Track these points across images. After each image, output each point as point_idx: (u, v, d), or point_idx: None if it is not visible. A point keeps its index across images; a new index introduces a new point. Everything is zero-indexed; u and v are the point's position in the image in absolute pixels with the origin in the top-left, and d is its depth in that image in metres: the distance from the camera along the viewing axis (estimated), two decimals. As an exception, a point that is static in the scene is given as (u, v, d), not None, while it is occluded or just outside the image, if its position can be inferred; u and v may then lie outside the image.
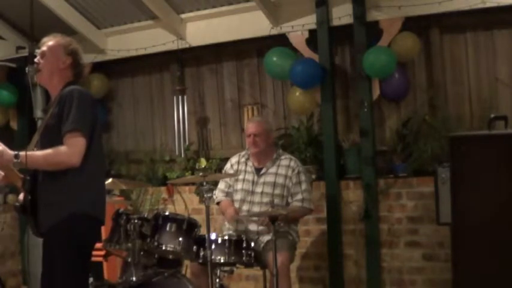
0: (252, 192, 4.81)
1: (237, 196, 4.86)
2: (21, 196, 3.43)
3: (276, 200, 4.70)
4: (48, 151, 3.23)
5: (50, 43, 3.47)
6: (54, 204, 3.26)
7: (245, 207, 4.79)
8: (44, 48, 3.46)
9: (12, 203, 6.41)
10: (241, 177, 4.88)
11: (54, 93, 3.44)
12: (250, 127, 4.93)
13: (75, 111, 3.23)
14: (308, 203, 4.79)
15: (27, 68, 3.41)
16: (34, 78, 3.43)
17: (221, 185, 4.98)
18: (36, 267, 3.50)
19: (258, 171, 4.87)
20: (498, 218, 3.49)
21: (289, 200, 4.78)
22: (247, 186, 4.84)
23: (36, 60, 3.46)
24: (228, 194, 4.94)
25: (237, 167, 4.94)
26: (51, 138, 3.27)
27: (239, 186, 4.88)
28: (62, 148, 3.21)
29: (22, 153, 3.19)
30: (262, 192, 4.78)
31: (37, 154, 3.23)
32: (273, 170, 4.84)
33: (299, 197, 4.76)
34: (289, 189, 4.78)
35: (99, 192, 3.45)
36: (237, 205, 4.84)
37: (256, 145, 4.85)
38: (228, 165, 5.04)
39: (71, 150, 3.21)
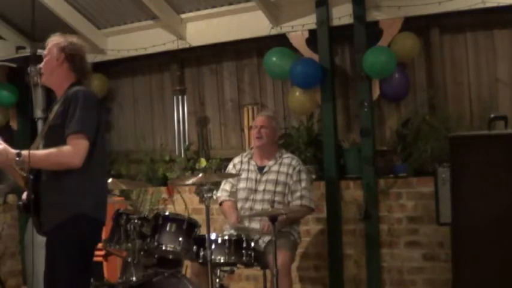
0: (255, 191, 4.83)
1: (240, 195, 4.88)
2: (24, 195, 3.43)
3: (278, 198, 4.72)
4: (51, 150, 3.23)
5: (49, 44, 3.49)
6: (57, 205, 3.27)
7: (248, 205, 4.82)
8: (46, 50, 3.48)
9: (12, 203, 6.41)
10: (244, 176, 4.90)
11: (60, 94, 3.44)
12: (259, 120, 4.97)
13: (80, 112, 3.23)
14: (307, 200, 4.80)
15: (29, 68, 3.42)
16: (35, 78, 3.43)
17: (225, 185, 4.99)
18: (36, 267, 3.50)
19: (260, 169, 4.88)
20: (498, 218, 3.49)
21: (289, 198, 4.80)
22: (250, 184, 4.85)
23: (41, 65, 3.47)
24: (231, 194, 4.95)
25: (239, 167, 4.96)
26: (55, 139, 3.27)
27: (242, 185, 4.89)
28: (65, 148, 3.21)
29: (24, 152, 3.19)
30: (264, 190, 4.80)
31: (39, 153, 3.24)
32: (275, 168, 4.85)
33: (298, 194, 4.77)
34: (289, 187, 4.79)
35: (101, 194, 3.45)
36: (240, 203, 4.86)
37: (261, 137, 4.86)
38: (230, 166, 5.07)
39: (73, 151, 3.21)
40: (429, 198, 5.09)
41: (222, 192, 4.99)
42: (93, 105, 3.33)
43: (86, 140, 3.23)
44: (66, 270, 3.24)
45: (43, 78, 3.45)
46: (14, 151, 3.20)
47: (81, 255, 3.30)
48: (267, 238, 4.60)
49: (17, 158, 3.17)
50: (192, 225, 4.36)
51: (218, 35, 6.06)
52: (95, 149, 3.31)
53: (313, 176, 5.53)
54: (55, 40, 3.50)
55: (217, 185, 5.03)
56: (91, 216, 3.31)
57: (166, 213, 4.47)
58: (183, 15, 6.17)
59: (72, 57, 3.45)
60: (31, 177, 3.36)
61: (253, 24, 5.82)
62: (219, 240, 4.34)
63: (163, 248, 4.25)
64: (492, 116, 3.96)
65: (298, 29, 5.65)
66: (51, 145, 3.27)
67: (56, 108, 3.38)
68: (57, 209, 3.26)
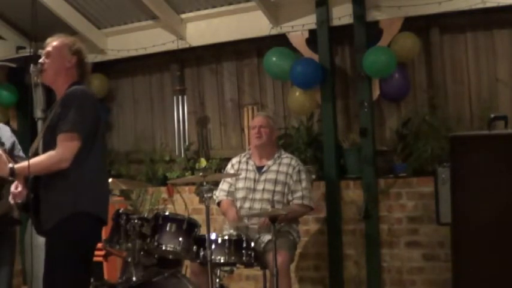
0: (254, 190, 4.83)
1: (239, 194, 4.88)
2: (17, 187, 3.43)
3: (277, 197, 4.72)
4: (41, 159, 3.27)
5: (55, 43, 3.49)
6: (56, 203, 3.27)
7: (247, 205, 4.81)
8: (49, 48, 3.48)
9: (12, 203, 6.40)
10: (242, 175, 4.90)
11: (60, 93, 3.46)
12: (257, 120, 4.99)
13: (75, 112, 3.25)
14: (308, 200, 4.80)
15: (31, 68, 3.42)
16: (36, 78, 3.44)
17: (223, 185, 4.99)
18: (36, 267, 3.50)
19: (259, 169, 4.89)
20: (498, 218, 3.49)
21: (289, 197, 4.80)
22: (249, 184, 4.86)
23: (41, 60, 3.47)
24: (229, 194, 4.94)
25: (237, 167, 4.96)
26: (53, 140, 3.27)
27: (240, 184, 4.89)
28: (53, 154, 3.24)
29: (17, 166, 3.26)
30: (263, 190, 4.80)
31: (26, 165, 3.24)
32: (274, 167, 4.85)
33: (299, 194, 4.78)
34: (289, 187, 4.80)
35: (102, 192, 3.46)
36: (238, 203, 4.86)
37: (260, 137, 4.87)
38: (228, 166, 5.06)
39: (60, 155, 3.23)
40: (429, 198, 5.10)
41: (220, 192, 4.98)
42: (89, 105, 3.34)
43: (76, 140, 3.24)
44: (66, 269, 3.24)
45: (45, 76, 3.45)
46: (7, 169, 3.25)
47: (81, 254, 3.30)
48: (266, 238, 4.60)
49: (11, 178, 3.27)
50: (192, 225, 4.36)
51: (218, 35, 6.06)
52: (95, 147, 3.32)
53: (313, 176, 5.54)
54: (61, 40, 3.50)
55: (217, 185, 5.03)
56: (91, 214, 3.31)
57: (166, 213, 4.47)
58: (183, 15, 6.17)
59: (81, 61, 3.50)
60: (31, 176, 3.37)
61: (253, 24, 5.82)
62: (219, 240, 4.34)
63: (163, 248, 4.25)
64: (492, 116, 3.96)
65: (298, 29, 5.65)
66: (51, 145, 3.28)
67: (55, 108, 3.39)
68: (56, 208, 3.26)
